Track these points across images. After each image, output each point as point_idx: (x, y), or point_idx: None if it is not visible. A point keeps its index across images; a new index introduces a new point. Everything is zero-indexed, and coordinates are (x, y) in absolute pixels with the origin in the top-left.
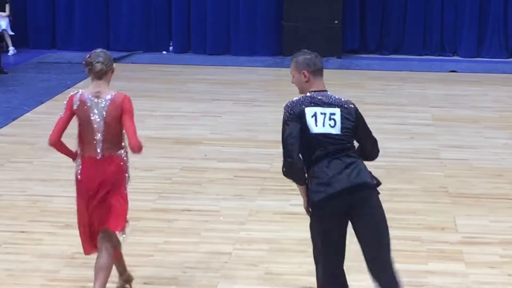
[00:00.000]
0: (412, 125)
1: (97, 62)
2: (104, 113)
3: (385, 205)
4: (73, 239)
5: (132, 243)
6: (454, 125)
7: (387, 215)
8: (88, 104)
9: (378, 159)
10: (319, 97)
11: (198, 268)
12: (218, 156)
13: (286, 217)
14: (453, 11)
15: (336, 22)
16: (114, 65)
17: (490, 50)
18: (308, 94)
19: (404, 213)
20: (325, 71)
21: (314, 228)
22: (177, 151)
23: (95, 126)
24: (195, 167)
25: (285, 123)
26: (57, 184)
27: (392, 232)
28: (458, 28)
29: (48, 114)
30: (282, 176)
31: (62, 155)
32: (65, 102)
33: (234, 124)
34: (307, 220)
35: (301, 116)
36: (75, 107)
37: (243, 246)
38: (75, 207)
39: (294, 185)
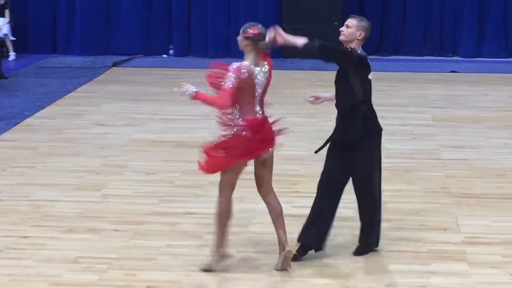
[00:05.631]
0: (413, 126)
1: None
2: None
3: (387, 206)
4: (76, 243)
5: (135, 246)
6: (454, 126)
7: (389, 216)
8: (255, 74)
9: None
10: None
11: (201, 272)
12: None
13: (289, 219)
14: (452, 11)
15: (336, 23)
16: None
17: (490, 50)
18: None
19: (406, 214)
20: (324, 73)
21: (374, 152)
22: (179, 154)
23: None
24: (197, 170)
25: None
26: (59, 189)
27: (394, 233)
28: (457, 28)
29: (49, 119)
30: (284, 178)
31: (63, 160)
32: (231, 73)
33: None
34: None
35: (367, 62)
36: (243, 77)
37: (247, 248)
38: (78, 211)
39: (296, 187)
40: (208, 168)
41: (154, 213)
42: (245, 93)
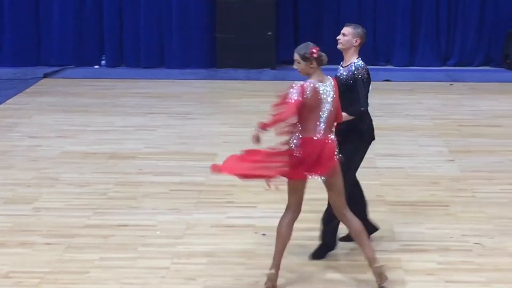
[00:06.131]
0: None
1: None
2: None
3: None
4: (7, 258)
5: (67, 260)
6: (389, 134)
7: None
8: (321, 90)
9: None
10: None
11: (135, 284)
12: (154, 170)
13: (224, 230)
14: (385, 20)
15: (269, 33)
16: None
17: (422, 58)
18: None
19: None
20: (260, 83)
21: (357, 154)
22: (112, 166)
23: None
24: (130, 181)
25: (361, 80)
26: None
27: None
28: (390, 37)
29: None
30: (218, 189)
31: None
32: (294, 90)
33: (169, 138)
34: (244, 232)
35: (370, 80)
36: (308, 92)
37: (181, 260)
38: (9, 225)
39: (230, 198)
40: (227, 167)
41: (87, 225)
42: (309, 110)
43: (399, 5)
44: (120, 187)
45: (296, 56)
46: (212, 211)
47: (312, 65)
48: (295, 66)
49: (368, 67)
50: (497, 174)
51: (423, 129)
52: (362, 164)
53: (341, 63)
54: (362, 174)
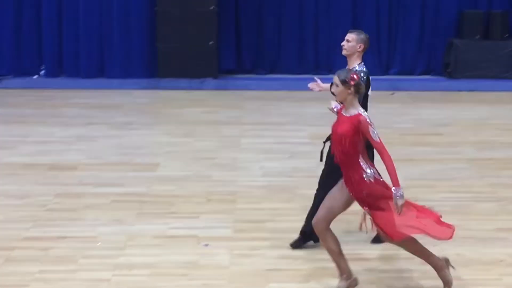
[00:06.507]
0: (290, 144)
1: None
2: None
3: (266, 225)
4: None
5: (6, 273)
6: None
7: (269, 235)
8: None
9: (259, 178)
10: None
11: None
12: (95, 181)
13: (166, 241)
14: (326, 29)
15: (211, 42)
16: None
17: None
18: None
19: (286, 232)
20: (202, 92)
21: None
22: (52, 177)
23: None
24: (71, 193)
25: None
26: None
27: (274, 252)
28: (332, 46)
29: None
30: (160, 199)
31: None
32: (371, 128)
33: (110, 148)
34: (187, 243)
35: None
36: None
37: (123, 271)
38: None
39: (172, 208)
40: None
41: (27, 238)
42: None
43: (340, 15)
44: (60, 198)
45: (335, 79)
46: (154, 222)
47: (349, 91)
48: (332, 89)
49: (309, 76)
50: (439, 182)
51: None
52: (304, 173)
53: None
54: (305, 184)
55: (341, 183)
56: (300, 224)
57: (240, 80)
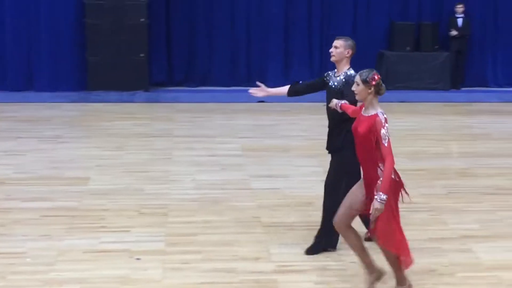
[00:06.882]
0: (222, 156)
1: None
2: None
3: (198, 238)
4: None
5: None
6: (264, 155)
7: (201, 248)
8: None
9: (191, 191)
10: None
11: None
12: (23, 195)
13: (97, 255)
14: (258, 41)
15: (142, 55)
16: None
17: (296, 79)
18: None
19: (218, 245)
20: (133, 105)
21: (349, 160)
22: None
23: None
24: (3, 209)
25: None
26: None
27: (206, 265)
28: (264, 58)
29: None
30: (91, 213)
31: None
32: (383, 127)
33: (39, 162)
34: (118, 257)
35: None
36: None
37: (52, 287)
38: None
39: (103, 222)
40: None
41: None
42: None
43: (272, 29)
44: None
45: (357, 78)
46: (85, 237)
47: (370, 91)
48: (353, 87)
49: (241, 88)
50: None
51: (298, 149)
52: (236, 186)
53: (334, 72)
54: (237, 196)
55: (361, 181)
56: (232, 237)
57: (171, 93)
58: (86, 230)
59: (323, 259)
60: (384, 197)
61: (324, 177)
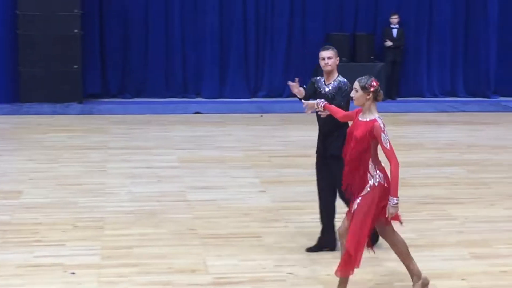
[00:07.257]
0: (158, 168)
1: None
2: None
3: (134, 251)
4: None
5: None
6: (200, 166)
7: (137, 261)
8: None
9: (127, 204)
10: None
11: None
12: None
13: (31, 270)
14: (194, 52)
15: (75, 66)
16: None
17: (232, 90)
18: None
19: (154, 257)
20: (67, 117)
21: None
22: None
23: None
24: None
25: (345, 90)
26: None
27: (142, 278)
28: (200, 70)
29: None
30: (24, 227)
31: None
32: (383, 131)
33: None
34: (52, 271)
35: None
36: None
37: None
38: None
39: (37, 236)
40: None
41: None
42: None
43: (207, 39)
44: None
45: (356, 84)
46: (18, 251)
47: (368, 97)
48: (352, 93)
49: (177, 99)
50: (309, 203)
51: (234, 160)
52: (172, 198)
53: (322, 79)
54: (173, 208)
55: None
56: (168, 249)
57: (105, 104)
58: (19, 245)
59: (260, 270)
60: (394, 201)
61: (261, 188)
